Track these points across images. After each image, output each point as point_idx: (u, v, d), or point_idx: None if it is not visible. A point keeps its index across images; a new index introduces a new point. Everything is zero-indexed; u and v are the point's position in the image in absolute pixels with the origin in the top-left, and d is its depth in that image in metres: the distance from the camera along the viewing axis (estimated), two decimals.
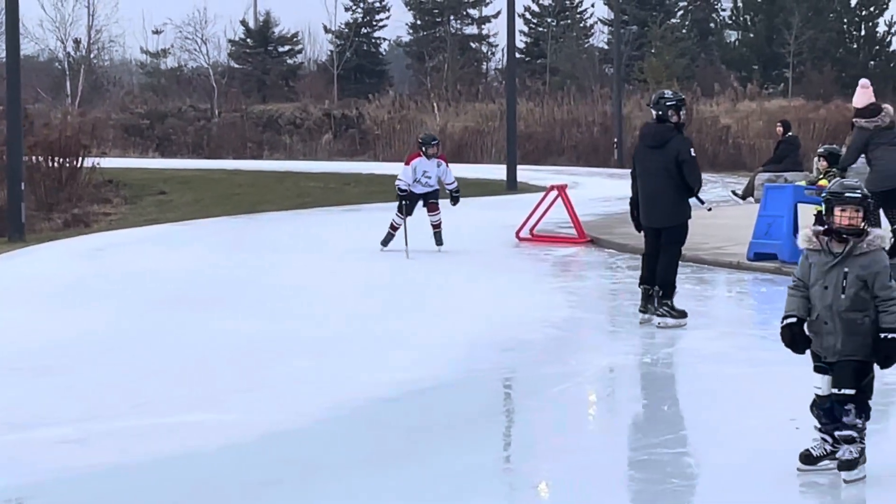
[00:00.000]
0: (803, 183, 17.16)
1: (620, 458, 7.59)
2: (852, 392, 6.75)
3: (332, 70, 65.82)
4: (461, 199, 19.32)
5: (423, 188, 18.49)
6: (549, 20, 69.41)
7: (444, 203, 18.75)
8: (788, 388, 7.80)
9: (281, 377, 9.93)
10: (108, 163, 33.28)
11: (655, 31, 60.23)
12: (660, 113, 11.85)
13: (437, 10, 69.92)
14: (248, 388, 9.51)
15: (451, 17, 69.90)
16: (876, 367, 6.85)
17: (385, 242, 18.53)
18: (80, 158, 29.64)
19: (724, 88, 56.02)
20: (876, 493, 6.76)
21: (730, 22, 66.50)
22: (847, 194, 6.81)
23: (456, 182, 18.93)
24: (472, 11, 71.02)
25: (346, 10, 70.43)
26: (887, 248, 10.34)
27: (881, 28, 62.05)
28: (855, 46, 61.86)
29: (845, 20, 62.14)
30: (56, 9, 63.74)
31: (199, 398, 9.17)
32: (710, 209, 13.13)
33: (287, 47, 71.69)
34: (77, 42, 65.42)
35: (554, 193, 20.23)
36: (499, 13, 66.39)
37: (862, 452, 6.80)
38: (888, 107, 15.17)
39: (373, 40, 71.84)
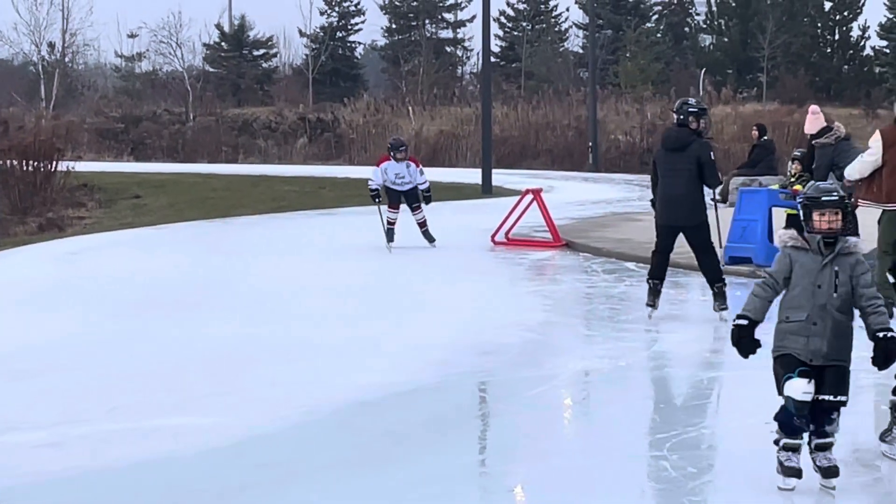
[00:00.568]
0: (777, 187, 17.23)
1: (596, 461, 7.60)
2: (846, 399, 6.67)
3: (308, 74, 65.79)
4: (433, 201, 19.80)
5: (400, 188, 19.14)
6: (524, 24, 69.52)
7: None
8: (763, 392, 7.81)
9: (257, 381, 9.91)
10: (82, 167, 33.22)
11: (630, 35, 60.40)
12: (681, 118, 12.42)
13: (412, 14, 69.96)
14: (224, 392, 9.49)
15: (427, 21, 69.95)
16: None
17: (390, 238, 19.10)
18: (55, 162, 29.57)
19: (699, 92, 56.19)
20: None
21: (704, 26, 66.73)
22: (824, 198, 6.72)
23: (428, 183, 19.41)
24: (447, 15, 71.13)
25: (322, 13, 70.51)
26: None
27: (855, 32, 62.34)
28: (829, 51, 62.10)
29: (819, 24, 62.37)
30: (31, 12, 63.76)
31: (174, 402, 9.14)
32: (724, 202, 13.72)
33: (262, 51, 71.65)
34: (52, 46, 65.31)
35: (529, 197, 20.26)
36: (474, 17, 66.59)
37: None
38: (838, 123, 15.55)
39: (348, 44, 71.81)
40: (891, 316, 7.61)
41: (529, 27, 69.18)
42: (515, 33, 69.77)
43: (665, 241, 12.62)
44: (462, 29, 70.96)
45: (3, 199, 26.92)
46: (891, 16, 61.87)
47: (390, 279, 16.38)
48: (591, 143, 45.41)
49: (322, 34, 68.88)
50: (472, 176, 35.24)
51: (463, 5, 70.07)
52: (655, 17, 69.47)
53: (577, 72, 64.43)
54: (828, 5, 62.03)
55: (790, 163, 17.23)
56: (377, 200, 19.23)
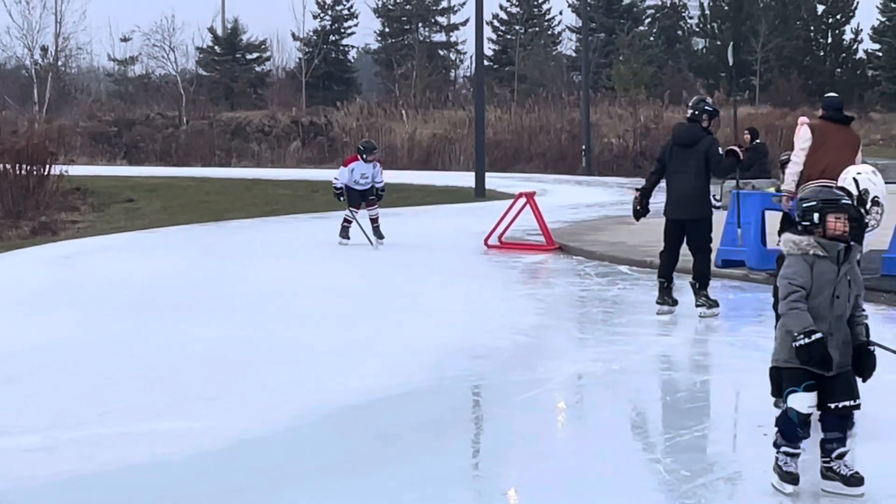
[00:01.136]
0: (771, 190, 17.21)
1: (590, 464, 7.59)
2: (860, 401, 6.56)
3: (301, 77, 65.80)
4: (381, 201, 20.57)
5: (362, 187, 20.04)
6: (517, 28, 69.62)
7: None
8: (757, 396, 7.82)
9: (249, 384, 9.90)
10: (75, 170, 33.11)
11: (623, 39, 60.48)
12: (695, 113, 12.72)
13: (405, 18, 70.03)
14: (217, 396, 9.48)
15: (420, 25, 70.03)
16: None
17: (343, 234, 20.12)
18: (48, 166, 29.49)
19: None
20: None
21: (697, 30, 66.87)
22: (843, 201, 6.55)
23: (384, 182, 20.45)
24: (440, 19, 71.21)
25: (315, 17, 70.55)
26: None
27: (847, 36, 62.57)
28: (821, 54, 62.26)
29: (812, 28, 62.54)
30: (23, 16, 63.51)
31: (167, 406, 9.13)
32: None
33: (255, 55, 71.65)
34: (44, 49, 65.14)
35: (522, 201, 20.25)
36: (467, 21, 66.64)
37: None
38: None
39: (341, 48, 71.87)
40: None
41: (522, 31, 69.29)
42: (508, 37, 69.86)
43: (672, 235, 12.78)
44: (455, 32, 71.18)
45: None
46: (883, 19, 62.01)
47: (383, 282, 16.38)
48: (584, 147, 45.42)
49: (315, 38, 68.92)
50: (466, 179, 35.22)
51: (456, 9, 70.21)
52: (648, 20, 69.61)
53: (571, 75, 64.48)
54: (820, 9, 62.22)
55: (781, 166, 17.19)
56: (341, 199, 20.07)
